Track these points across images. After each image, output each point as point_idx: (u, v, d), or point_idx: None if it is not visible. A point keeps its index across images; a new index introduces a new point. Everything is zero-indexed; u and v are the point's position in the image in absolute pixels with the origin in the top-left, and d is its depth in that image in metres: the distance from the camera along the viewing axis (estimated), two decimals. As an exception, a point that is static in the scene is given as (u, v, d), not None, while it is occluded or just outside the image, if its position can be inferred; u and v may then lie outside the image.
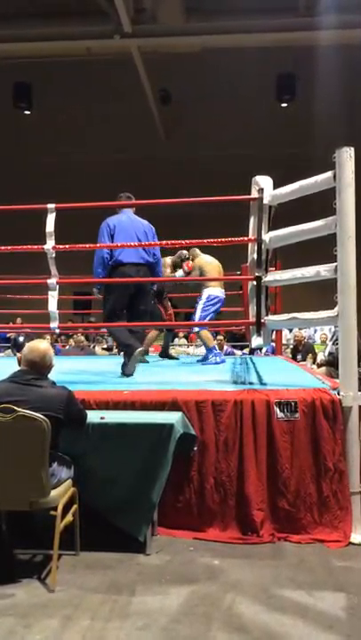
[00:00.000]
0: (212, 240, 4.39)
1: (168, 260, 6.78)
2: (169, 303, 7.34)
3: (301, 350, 10.45)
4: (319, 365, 7.86)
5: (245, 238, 4.30)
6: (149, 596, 2.76)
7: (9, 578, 2.93)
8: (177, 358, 7.83)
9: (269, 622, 2.53)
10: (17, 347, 6.50)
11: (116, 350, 11.49)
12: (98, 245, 4.66)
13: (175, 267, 6.84)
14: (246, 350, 8.17)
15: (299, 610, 2.64)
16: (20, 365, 3.19)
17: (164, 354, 7.64)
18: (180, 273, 6.72)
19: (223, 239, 4.35)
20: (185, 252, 6.80)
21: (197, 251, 6.75)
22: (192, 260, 6.69)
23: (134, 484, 3.28)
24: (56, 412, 2.99)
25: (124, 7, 11.47)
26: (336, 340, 8.29)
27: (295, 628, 2.48)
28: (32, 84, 15.19)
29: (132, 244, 4.75)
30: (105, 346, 12.14)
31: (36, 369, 3.13)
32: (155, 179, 15.59)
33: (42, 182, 15.36)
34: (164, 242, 4.74)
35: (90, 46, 13.38)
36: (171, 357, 7.67)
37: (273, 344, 7.07)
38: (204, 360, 6.79)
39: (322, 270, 3.84)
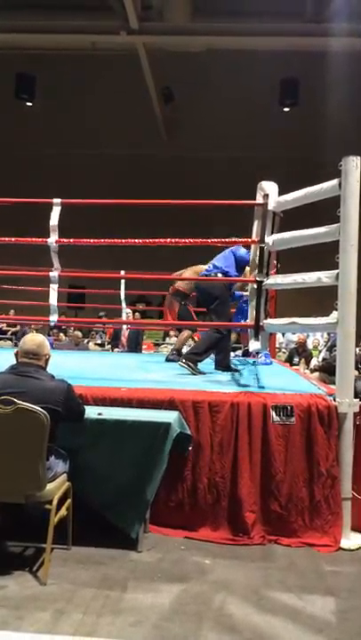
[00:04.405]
0: (215, 240, 4.40)
1: None
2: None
3: (301, 353, 10.42)
4: (312, 371, 7.90)
5: (249, 240, 4.31)
6: (141, 593, 2.77)
7: (1, 570, 2.92)
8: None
9: (260, 624, 2.55)
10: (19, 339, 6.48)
11: (108, 346, 11.48)
12: (102, 241, 4.64)
13: None
14: (239, 352, 8.16)
15: (289, 612, 2.67)
16: (17, 360, 3.19)
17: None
18: None
19: (226, 239, 4.37)
20: None
21: None
22: None
23: (129, 481, 3.29)
24: (55, 404, 2.99)
25: (131, 4, 11.48)
26: (331, 346, 8.34)
27: (286, 631, 2.51)
28: (36, 76, 15.13)
29: None
30: (98, 341, 12.13)
31: (34, 359, 3.13)
32: (154, 176, 15.59)
33: (42, 175, 15.33)
34: (168, 239, 4.74)
35: (95, 41, 13.36)
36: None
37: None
38: None
39: (323, 277, 3.86)
